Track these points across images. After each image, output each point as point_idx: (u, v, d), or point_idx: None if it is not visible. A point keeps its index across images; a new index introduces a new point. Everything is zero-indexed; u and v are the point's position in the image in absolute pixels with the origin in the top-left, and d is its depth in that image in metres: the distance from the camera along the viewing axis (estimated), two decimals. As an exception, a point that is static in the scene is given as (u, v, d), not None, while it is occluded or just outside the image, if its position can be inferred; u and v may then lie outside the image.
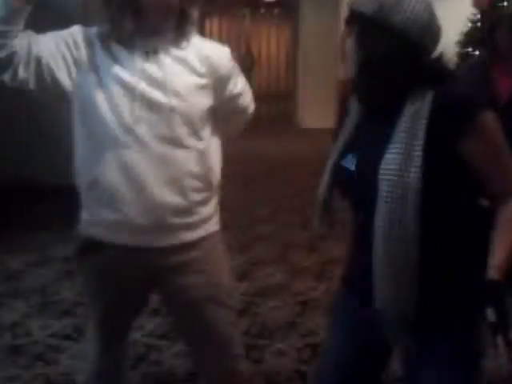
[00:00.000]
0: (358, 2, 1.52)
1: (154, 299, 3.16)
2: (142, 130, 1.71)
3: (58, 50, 1.72)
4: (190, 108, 1.76)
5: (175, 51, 1.77)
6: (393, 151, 1.45)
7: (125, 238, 1.78)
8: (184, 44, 1.78)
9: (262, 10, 11.51)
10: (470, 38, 6.20)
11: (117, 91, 1.71)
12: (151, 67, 1.73)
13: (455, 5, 8.28)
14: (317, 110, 10.34)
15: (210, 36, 11.15)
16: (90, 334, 2.04)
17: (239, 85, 1.96)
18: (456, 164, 1.46)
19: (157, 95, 1.72)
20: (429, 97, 1.46)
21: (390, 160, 1.45)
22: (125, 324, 2.06)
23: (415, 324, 1.49)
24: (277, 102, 11.30)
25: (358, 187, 1.58)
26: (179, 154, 1.75)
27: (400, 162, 1.44)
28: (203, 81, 1.79)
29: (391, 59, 1.48)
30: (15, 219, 5.08)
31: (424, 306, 1.48)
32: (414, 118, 1.46)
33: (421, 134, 1.44)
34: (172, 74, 1.74)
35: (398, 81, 1.50)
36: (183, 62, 1.77)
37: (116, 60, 1.74)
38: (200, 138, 1.81)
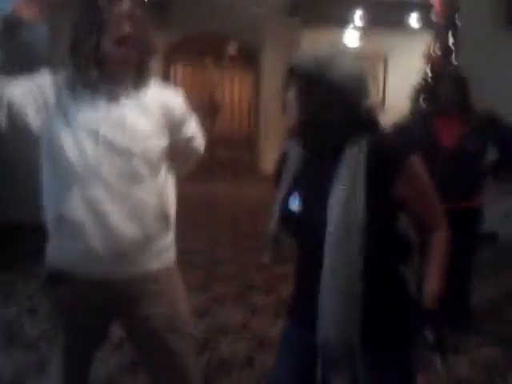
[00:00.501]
0: (297, 58, 1.72)
1: (117, 333, 3.25)
2: (106, 170, 1.86)
3: (28, 94, 1.86)
4: (148, 149, 1.93)
5: (134, 98, 1.94)
6: (340, 187, 1.62)
7: (88, 270, 1.91)
8: (142, 91, 1.96)
9: (226, 61, 11.87)
10: (421, 94, 6.56)
11: (81, 134, 1.86)
12: (113, 112, 1.89)
13: (408, 62, 8.76)
14: (276, 157, 10.59)
15: (175, 83, 11.40)
16: (53, 367, 2.12)
17: (192, 128, 2.14)
18: (391, 205, 1.66)
19: (118, 138, 1.88)
20: (363, 145, 1.66)
21: (338, 195, 1.62)
22: (88, 354, 2.14)
23: (355, 351, 1.65)
24: (239, 147, 11.57)
25: (303, 225, 1.74)
26: (139, 191, 1.91)
27: (346, 197, 1.61)
28: (159, 124, 1.96)
29: (328, 111, 1.66)
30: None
31: (366, 335, 1.64)
32: (355, 161, 1.64)
33: (360, 178, 1.62)
34: (132, 119, 1.91)
35: (335, 129, 1.68)
36: (142, 107, 1.94)
37: (81, 104, 1.89)
38: (157, 177, 1.96)
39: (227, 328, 3.90)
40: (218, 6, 9.50)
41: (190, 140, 2.15)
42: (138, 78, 1.95)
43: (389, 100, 11.00)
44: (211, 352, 3.53)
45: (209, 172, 10.59)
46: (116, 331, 2.39)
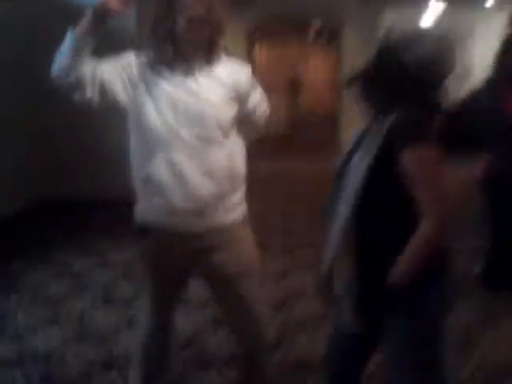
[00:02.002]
0: (385, 32, 1.92)
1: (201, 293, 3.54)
2: (184, 134, 2.14)
3: (116, 72, 2.15)
4: (221, 114, 2.20)
5: (207, 70, 2.20)
6: (359, 154, 1.88)
7: (170, 223, 2.21)
8: (214, 66, 2.22)
9: (311, 37, 11.95)
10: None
11: (162, 103, 2.14)
12: (189, 83, 2.16)
13: (486, 41, 8.52)
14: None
15: (259, 61, 11.63)
16: (142, 303, 2.45)
17: (257, 97, 2.39)
18: (395, 177, 1.82)
19: (194, 106, 2.15)
20: (392, 119, 1.84)
21: (355, 160, 1.89)
22: (173, 296, 2.47)
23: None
24: (321, 123, 11.67)
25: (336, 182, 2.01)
26: (213, 151, 2.18)
27: (358, 161, 1.87)
28: (230, 93, 2.22)
29: (389, 79, 1.87)
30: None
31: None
32: (377, 133, 1.86)
33: (374, 147, 1.84)
34: (206, 88, 2.17)
35: (386, 97, 1.89)
36: (214, 78, 2.20)
37: (161, 78, 2.17)
38: (229, 141, 2.23)
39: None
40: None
41: (255, 108, 2.40)
42: (209, 54, 2.20)
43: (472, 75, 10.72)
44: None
45: (292, 148, 10.82)
46: (200, 291, 2.67)
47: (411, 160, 1.78)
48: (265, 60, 11.84)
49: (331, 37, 11.33)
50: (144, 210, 2.27)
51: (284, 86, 11.69)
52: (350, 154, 2.00)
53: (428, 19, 11.02)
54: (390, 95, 1.89)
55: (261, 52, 11.86)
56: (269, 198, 7.01)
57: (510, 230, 3.93)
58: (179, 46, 2.15)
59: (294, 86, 11.72)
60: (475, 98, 3.89)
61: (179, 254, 2.26)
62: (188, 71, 2.17)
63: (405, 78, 1.85)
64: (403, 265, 1.84)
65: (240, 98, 2.27)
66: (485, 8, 9.95)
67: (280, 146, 10.97)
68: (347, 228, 1.90)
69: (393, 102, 1.88)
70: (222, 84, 2.21)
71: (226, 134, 2.21)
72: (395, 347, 1.97)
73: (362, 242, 1.92)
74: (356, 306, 1.94)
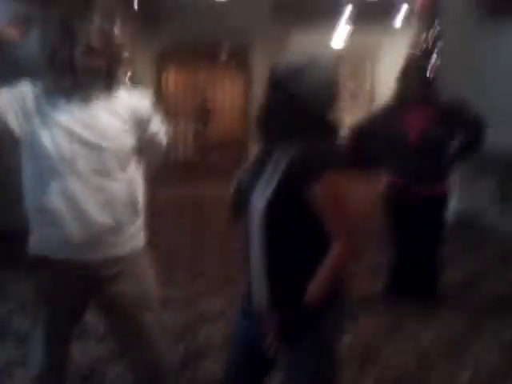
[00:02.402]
0: (276, 64, 1.95)
1: (100, 328, 3.44)
2: (80, 165, 2.10)
3: (8, 102, 2.10)
4: (118, 146, 2.17)
5: (105, 100, 2.18)
6: (261, 185, 1.90)
7: (65, 253, 2.15)
8: (112, 95, 2.20)
9: (219, 63, 12.05)
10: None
11: (58, 133, 2.10)
12: (86, 114, 2.14)
13: (394, 60, 8.94)
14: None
15: (167, 88, 11.60)
16: (34, 340, 2.35)
17: (157, 125, 2.38)
18: (300, 206, 1.85)
19: (90, 137, 2.12)
20: (292, 151, 1.86)
21: (259, 190, 1.90)
22: (69, 329, 2.40)
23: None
24: (230, 150, 11.75)
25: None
26: (110, 184, 2.15)
27: (262, 192, 1.88)
28: (127, 125, 2.21)
29: (280, 113, 1.90)
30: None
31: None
32: (277, 164, 1.88)
33: (275, 178, 1.86)
34: (103, 119, 2.15)
35: (285, 132, 1.91)
36: (112, 109, 2.18)
37: (57, 108, 2.13)
38: (126, 171, 2.21)
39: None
40: (206, 11, 9.71)
41: (155, 135, 2.39)
42: (107, 84, 2.19)
43: (377, 97, 11.19)
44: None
45: (200, 174, 10.80)
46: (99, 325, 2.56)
47: (317, 190, 1.81)
48: (173, 85, 11.82)
49: (240, 60, 11.49)
50: (38, 240, 2.20)
51: (192, 111, 11.69)
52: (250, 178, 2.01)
53: (337, 40, 11.41)
54: (285, 127, 1.91)
55: (170, 77, 11.84)
56: (176, 224, 6.95)
57: (408, 240, 4.11)
58: (76, 75, 2.12)
59: (202, 112, 11.74)
60: (375, 118, 4.09)
61: (75, 285, 2.21)
62: (85, 101, 2.15)
63: (294, 110, 1.88)
64: (315, 290, 1.87)
65: (139, 127, 2.26)
66: (392, 28, 10.38)
67: (188, 172, 10.94)
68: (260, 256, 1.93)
69: (289, 135, 1.90)
70: (120, 115, 2.20)
71: (123, 165, 2.20)
72: (293, 370, 2.00)
73: (272, 269, 1.94)
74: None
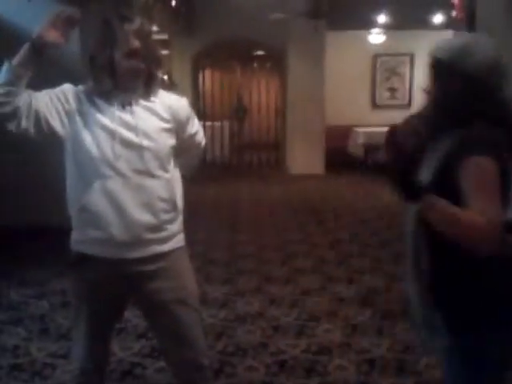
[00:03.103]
0: (435, 49, 1.85)
1: (141, 325, 3.52)
2: (121, 165, 2.16)
3: (52, 104, 2.16)
4: (158, 147, 2.22)
5: (144, 103, 2.24)
6: (426, 166, 1.85)
7: (108, 252, 2.21)
8: (151, 97, 2.26)
9: (254, 64, 12.11)
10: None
11: (100, 134, 2.16)
12: (126, 115, 2.19)
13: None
14: (303, 158, 10.80)
15: (203, 88, 11.71)
16: (76, 336, 2.41)
17: (195, 126, 2.44)
18: (456, 193, 1.74)
19: (131, 137, 2.18)
20: (457, 134, 1.79)
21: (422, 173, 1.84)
22: (108, 326, 2.45)
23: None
24: (266, 150, 11.80)
25: None
26: (151, 183, 2.20)
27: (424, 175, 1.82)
28: (167, 125, 2.26)
29: (462, 97, 1.79)
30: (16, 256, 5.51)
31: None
32: (445, 146, 1.81)
33: (439, 160, 1.80)
34: (143, 121, 2.21)
35: (464, 115, 1.80)
36: (151, 110, 2.24)
37: (99, 110, 2.19)
38: (166, 170, 2.26)
39: (246, 317, 4.16)
40: (243, 11, 9.78)
41: (193, 135, 2.44)
42: (147, 86, 2.25)
43: (416, 96, 11.12)
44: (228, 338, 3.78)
45: (237, 174, 10.89)
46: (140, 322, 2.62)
47: (469, 166, 1.72)
48: (209, 85, 11.93)
49: (276, 61, 11.53)
50: (80, 238, 2.26)
51: (228, 111, 11.77)
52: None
53: (374, 40, 11.36)
54: (463, 112, 1.81)
55: (206, 77, 11.94)
56: (214, 225, 7.04)
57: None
58: (117, 78, 2.17)
59: (238, 112, 11.82)
60: (415, 119, 4.07)
61: (117, 282, 2.26)
62: (125, 103, 2.21)
63: (474, 91, 1.79)
64: (444, 211, 1.72)
65: (177, 129, 2.31)
66: (430, 27, 10.30)
67: (224, 171, 11.05)
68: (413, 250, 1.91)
69: (465, 119, 1.81)
70: (160, 115, 2.25)
71: (163, 166, 2.25)
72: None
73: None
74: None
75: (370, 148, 10.45)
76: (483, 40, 1.87)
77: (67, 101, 2.19)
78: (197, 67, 11.58)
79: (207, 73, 12.01)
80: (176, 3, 8.98)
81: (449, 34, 9.07)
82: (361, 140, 10.88)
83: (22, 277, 5.01)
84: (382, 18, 10.64)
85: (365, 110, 11.88)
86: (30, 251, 5.74)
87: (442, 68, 1.83)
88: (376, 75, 12.05)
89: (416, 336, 2.07)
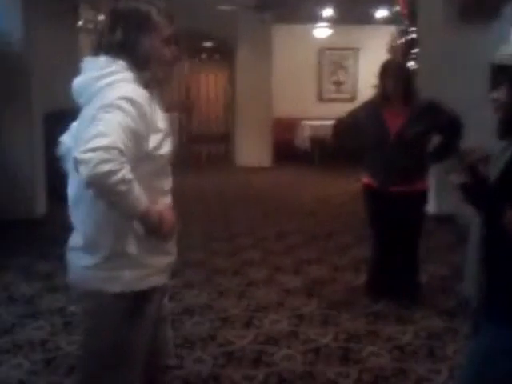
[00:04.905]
0: (504, 57, 1.86)
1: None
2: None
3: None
4: None
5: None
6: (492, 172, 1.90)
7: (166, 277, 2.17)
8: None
9: (203, 56, 12.06)
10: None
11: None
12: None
13: (377, 53, 9.08)
14: (251, 150, 10.86)
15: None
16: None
17: None
18: None
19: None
20: None
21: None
22: None
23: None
24: (215, 142, 11.81)
25: None
26: None
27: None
28: None
29: None
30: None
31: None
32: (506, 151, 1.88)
33: (502, 162, 1.86)
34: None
35: None
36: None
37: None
38: None
39: (193, 308, 4.18)
40: (191, 2, 9.72)
41: None
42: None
43: (361, 90, 11.32)
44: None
45: (185, 166, 10.85)
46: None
47: None
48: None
49: (224, 55, 11.52)
50: (143, 273, 2.05)
51: (176, 103, 11.71)
52: None
53: (319, 34, 11.48)
54: None
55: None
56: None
57: (387, 236, 4.19)
58: (153, 69, 2.03)
59: (186, 104, 11.77)
60: (358, 112, 4.20)
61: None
62: (158, 97, 2.08)
63: None
64: None
65: None
66: (375, 22, 10.49)
67: (173, 165, 10.93)
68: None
69: None
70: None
71: None
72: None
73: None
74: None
75: (316, 141, 10.60)
76: None
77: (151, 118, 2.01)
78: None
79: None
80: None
81: (392, 29, 9.28)
82: (307, 133, 11.02)
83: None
84: (327, 12, 10.78)
85: (311, 103, 12.02)
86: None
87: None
88: (322, 69, 12.20)
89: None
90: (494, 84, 1.89)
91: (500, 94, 1.86)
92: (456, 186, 1.85)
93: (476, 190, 1.82)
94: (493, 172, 1.89)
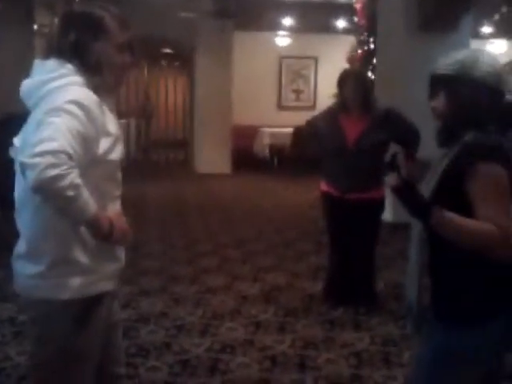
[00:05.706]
0: (440, 67, 1.92)
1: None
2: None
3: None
4: None
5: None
6: (430, 175, 1.94)
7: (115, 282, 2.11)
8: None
9: (162, 62, 12.01)
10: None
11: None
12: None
13: (336, 62, 9.17)
14: (211, 157, 10.81)
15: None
16: None
17: None
18: (462, 199, 1.80)
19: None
20: (461, 143, 1.87)
21: (424, 184, 1.93)
22: None
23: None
24: (174, 149, 11.74)
25: None
26: None
27: (427, 186, 1.91)
28: None
29: (478, 105, 1.86)
30: None
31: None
32: (444, 158, 1.91)
33: (441, 169, 1.88)
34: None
35: (482, 122, 1.88)
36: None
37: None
38: None
39: (149, 317, 4.11)
40: (151, 8, 9.66)
41: None
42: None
43: (320, 98, 11.41)
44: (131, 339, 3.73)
45: (144, 173, 10.75)
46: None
47: (477, 173, 1.77)
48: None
49: (183, 62, 11.48)
50: (94, 278, 2.02)
51: (135, 109, 11.62)
52: None
53: (279, 42, 11.55)
54: (476, 121, 1.88)
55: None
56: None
57: (345, 243, 4.22)
58: (104, 75, 1.98)
59: (145, 110, 11.68)
60: (317, 120, 4.22)
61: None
62: (111, 102, 2.06)
63: (481, 96, 1.86)
64: (451, 218, 1.77)
65: None
66: (334, 31, 10.61)
67: (131, 170, 10.84)
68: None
69: (465, 129, 1.88)
70: None
71: None
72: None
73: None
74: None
75: (275, 148, 10.63)
76: (481, 52, 1.95)
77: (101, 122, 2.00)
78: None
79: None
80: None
81: (351, 39, 9.39)
82: (267, 140, 11.05)
83: None
84: (287, 21, 10.88)
85: (271, 111, 12.04)
86: None
87: (450, 82, 1.89)
88: (282, 77, 12.26)
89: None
90: (432, 93, 1.97)
91: (437, 102, 1.94)
92: (389, 187, 1.88)
93: (404, 194, 1.83)
94: (430, 179, 1.93)
